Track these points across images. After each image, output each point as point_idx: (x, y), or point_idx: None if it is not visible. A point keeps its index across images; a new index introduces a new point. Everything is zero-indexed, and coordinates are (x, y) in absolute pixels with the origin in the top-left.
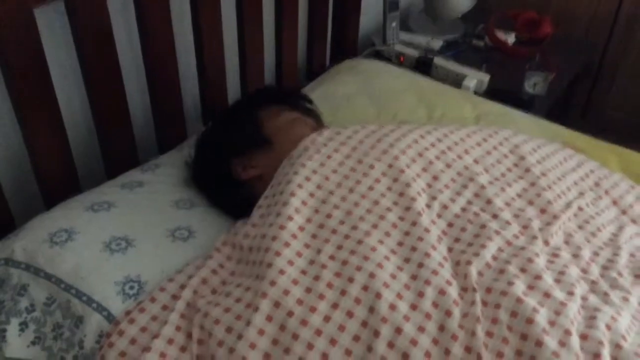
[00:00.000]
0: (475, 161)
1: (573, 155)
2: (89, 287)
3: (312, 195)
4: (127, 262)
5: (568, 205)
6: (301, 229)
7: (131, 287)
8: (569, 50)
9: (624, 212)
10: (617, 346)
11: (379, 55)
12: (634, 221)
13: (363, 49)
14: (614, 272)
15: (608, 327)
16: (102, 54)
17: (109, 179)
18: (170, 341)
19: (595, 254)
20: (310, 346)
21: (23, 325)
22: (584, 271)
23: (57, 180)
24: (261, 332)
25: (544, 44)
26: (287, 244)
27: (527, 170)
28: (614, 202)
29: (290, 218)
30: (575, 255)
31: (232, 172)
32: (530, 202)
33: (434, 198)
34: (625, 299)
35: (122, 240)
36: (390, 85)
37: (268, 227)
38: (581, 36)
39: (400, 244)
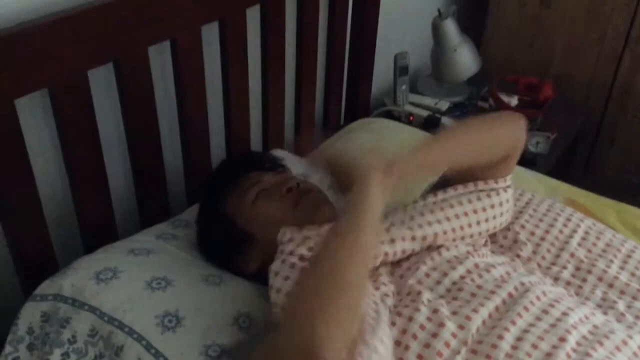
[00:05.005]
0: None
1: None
2: (131, 320)
3: None
4: (167, 299)
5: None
6: None
7: (170, 320)
8: (569, 112)
9: (610, 286)
10: None
11: (389, 115)
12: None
13: (375, 108)
14: (617, 314)
15: None
16: (143, 112)
17: (142, 228)
18: None
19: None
20: None
21: (65, 356)
22: (587, 317)
23: (98, 229)
24: None
25: (545, 106)
26: None
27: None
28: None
29: None
30: (582, 302)
31: (237, 268)
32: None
33: None
34: (625, 342)
35: (162, 280)
36: (401, 141)
37: None
38: (581, 99)
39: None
